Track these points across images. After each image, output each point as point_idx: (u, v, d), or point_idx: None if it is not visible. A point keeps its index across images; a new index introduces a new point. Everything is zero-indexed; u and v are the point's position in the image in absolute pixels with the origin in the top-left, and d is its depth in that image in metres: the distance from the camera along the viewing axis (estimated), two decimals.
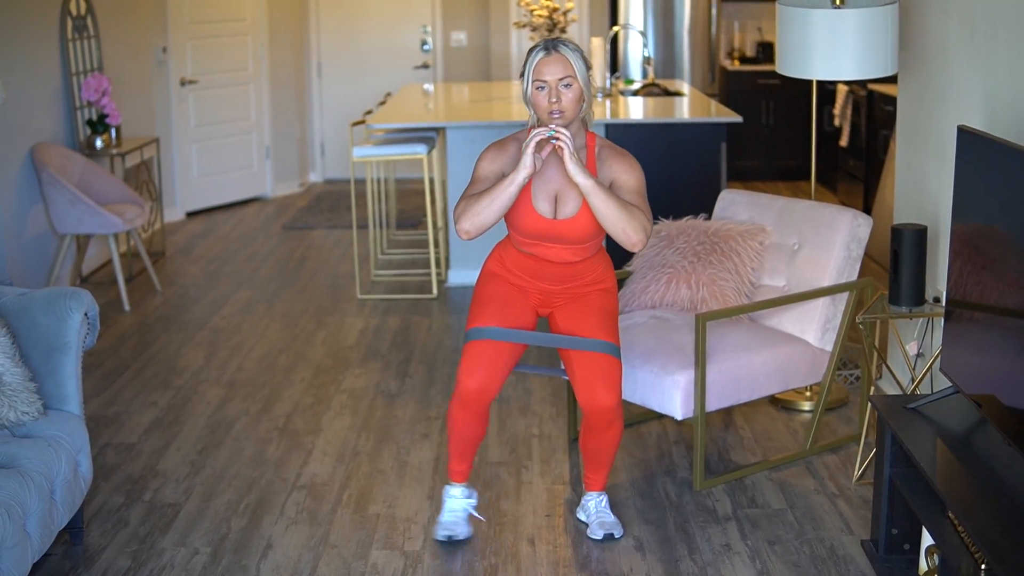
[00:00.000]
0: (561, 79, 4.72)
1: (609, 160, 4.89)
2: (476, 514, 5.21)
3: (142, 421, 6.52)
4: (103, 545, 5.13)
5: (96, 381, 7.15)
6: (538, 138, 4.67)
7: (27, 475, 4.42)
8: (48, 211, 8.61)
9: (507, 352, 4.97)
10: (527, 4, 10.22)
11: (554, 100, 4.72)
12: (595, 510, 5.20)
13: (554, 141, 4.67)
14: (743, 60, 13.17)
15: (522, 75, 4.83)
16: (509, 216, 4.93)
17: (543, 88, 4.74)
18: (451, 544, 5.07)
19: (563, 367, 5.17)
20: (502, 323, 4.96)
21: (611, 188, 4.82)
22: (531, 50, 4.81)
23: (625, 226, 4.69)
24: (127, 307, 8.67)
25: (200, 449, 6.13)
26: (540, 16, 10.00)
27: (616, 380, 4.91)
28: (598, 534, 5.10)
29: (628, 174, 4.86)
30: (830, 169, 11.84)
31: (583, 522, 5.23)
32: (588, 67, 4.82)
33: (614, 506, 5.36)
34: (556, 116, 4.73)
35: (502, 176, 4.86)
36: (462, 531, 5.12)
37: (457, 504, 5.17)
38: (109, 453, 6.09)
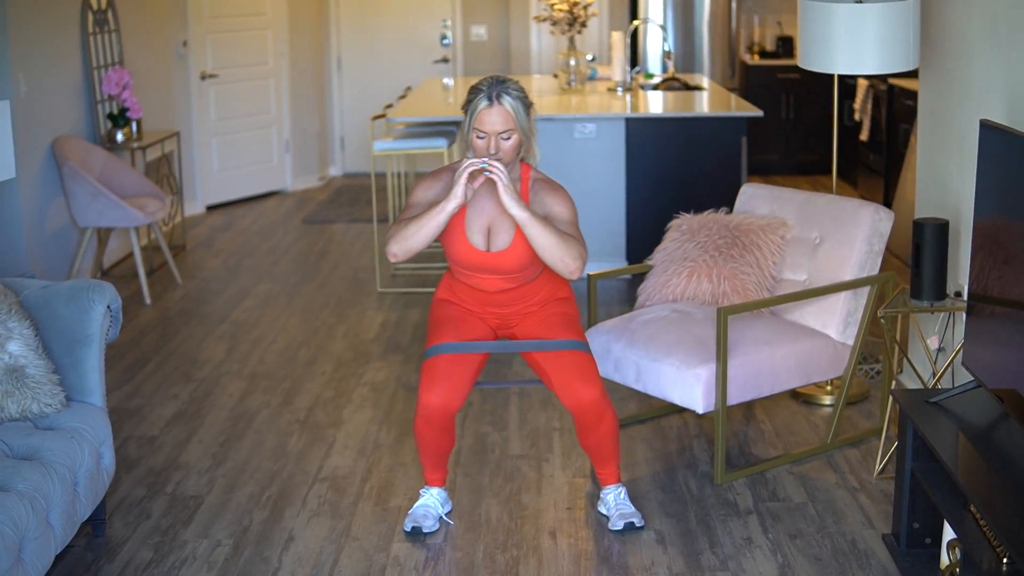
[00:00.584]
0: (501, 132, 4.76)
1: (542, 193, 4.93)
2: (447, 520, 5.27)
3: (164, 414, 6.54)
4: (125, 537, 5.15)
5: (118, 374, 7.17)
6: (471, 168, 4.70)
7: (50, 467, 4.44)
8: (69, 204, 8.63)
9: (466, 365, 5.02)
10: None
11: (493, 151, 4.77)
12: (614, 502, 5.21)
13: (487, 172, 4.71)
14: (763, 54, 13.15)
15: (464, 111, 4.84)
16: (446, 248, 4.99)
17: (483, 138, 4.78)
18: (472, 536, 5.08)
19: (536, 378, 5.23)
20: (459, 339, 5.02)
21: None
22: (474, 91, 4.82)
23: (563, 255, 4.73)
24: (148, 300, 8.70)
25: (222, 442, 6.15)
26: (560, 10, 10.00)
27: (593, 373, 4.97)
28: (619, 525, 5.12)
29: (561, 206, 4.91)
30: (850, 163, 11.82)
31: (604, 515, 5.24)
32: (529, 106, 4.84)
33: (635, 499, 5.37)
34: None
35: (435, 204, 4.89)
36: (429, 524, 5.18)
37: (431, 501, 5.25)
38: (131, 445, 6.12)
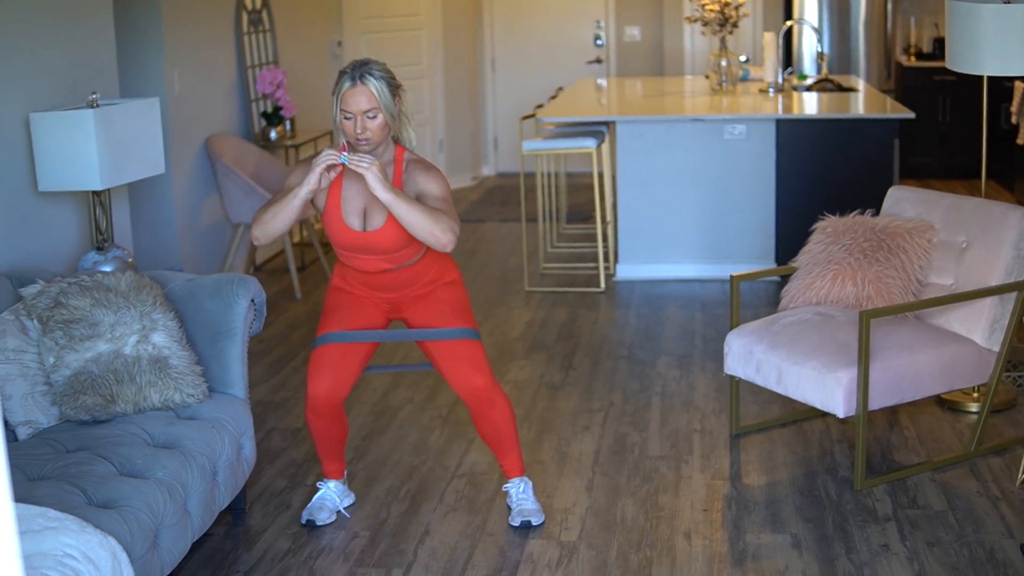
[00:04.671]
0: (366, 111, 4.80)
1: (415, 173, 4.97)
2: (345, 513, 5.37)
3: None
4: (264, 527, 5.23)
5: (265, 367, 7.29)
6: (329, 161, 4.76)
7: (190, 456, 4.53)
8: (223, 201, 8.79)
9: (353, 354, 5.11)
10: None
11: (360, 131, 4.81)
12: (516, 496, 5.29)
13: (347, 165, 4.77)
14: (919, 56, 12.95)
15: (333, 95, 4.89)
16: (326, 230, 5.05)
17: (350, 118, 4.81)
18: (607, 535, 5.08)
19: (426, 362, 5.33)
20: (347, 327, 5.11)
21: (419, 199, 4.90)
22: (341, 74, 4.88)
23: (432, 229, 4.76)
24: (299, 295, 8.83)
25: (364, 435, 6.22)
26: (712, 11, 9.95)
27: (481, 360, 5.07)
28: (515, 521, 5.21)
29: (432, 183, 4.95)
30: (1006, 167, 11.60)
31: (509, 508, 5.34)
32: (397, 88, 4.88)
33: (773, 502, 5.33)
34: (363, 143, 4.82)
35: None
36: (324, 517, 5.27)
37: (328, 493, 5.35)
38: (275, 437, 6.21)
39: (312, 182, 4.77)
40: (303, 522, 5.25)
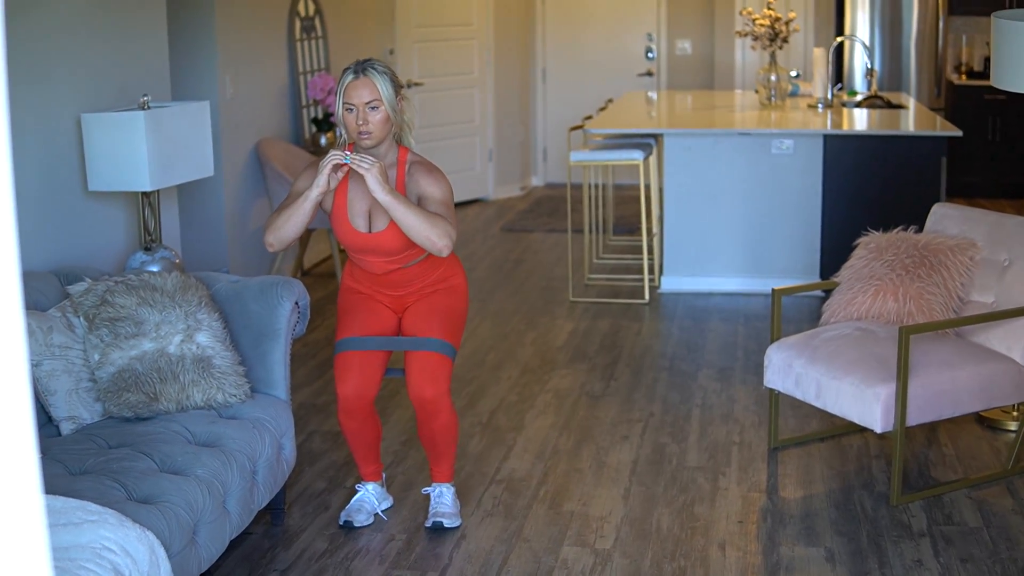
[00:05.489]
0: (368, 103, 4.89)
1: (417, 175, 5.05)
2: (383, 516, 5.43)
3: None
4: (303, 527, 5.29)
5: (310, 371, 7.35)
6: (334, 161, 4.83)
7: (230, 454, 4.59)
8: (272, 205, 8.86)
9: (374, 355, 5.22)
10: (749, 13, 10.20)
11: (361, 123, 4.89)
12: (434, 500, 5.39)
13: (350, 165, 4.84)
14: (970, 75, 12.92)
15: (335, 93, 5.01)
16: (334, 232, 5.16)
17: (352, 110, 4.91)
18: (641, 544, 5.11)
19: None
20: (363, 331, 5.21)
21: (420, 201, 4.98)
22: (344, 71, 4.98)
23: (429, 233, 4.84)
24: None
25: (404, 440, 6.27)
26: (762, 25, 9.96)
27: (439, 374, 5.14)
28: (429, 522, 5.30)
29: (434, 186, 5.02)
30: None
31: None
32: (400, 86, 4.99)
33: (808, 515, 5.35)
34: (364, 137, 4.91)
35: None
36: (361, 519, 5.34)
37: (366, 496, 5.42)
38: (316, 440, 6.27)
39: (322, 183, 4.86)
40: (341, 523, 5.31)
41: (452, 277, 5.31)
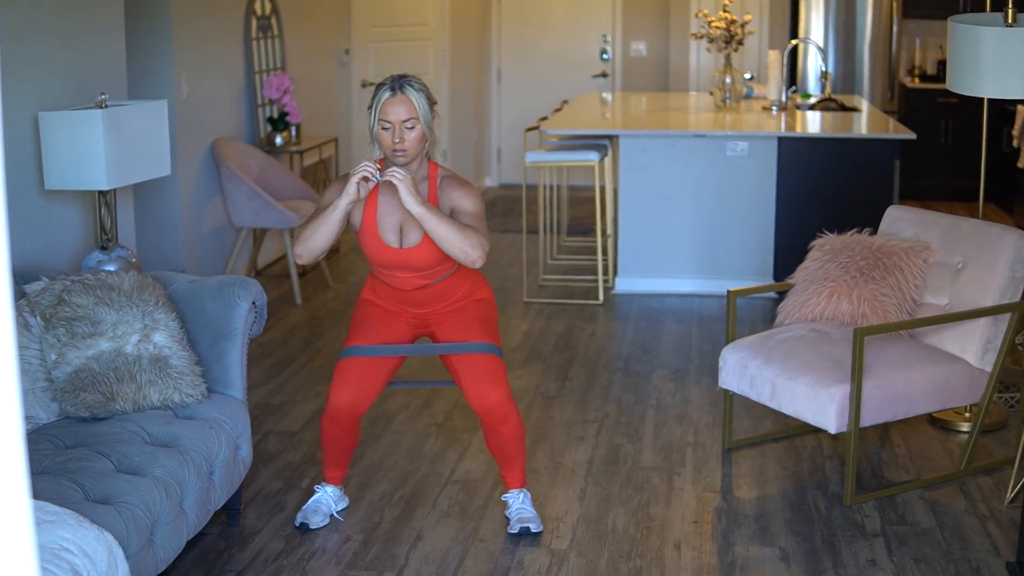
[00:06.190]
0: (405, 121, 4.86)
1: (449, 189, 5.03)
2: (338, 517, 5.41)
3: (306, 411, 6.68)
4: (258, 527, 5.29)
5: (264, 370, 7.34)
6: (366, 172, 4.84)
7: (187, 455, 4.58)
8: (226, 204, 8.84)
9: (378, 368, 5.19)
10: (705, 15, 10.24)
11: (397, 140, 4.87)
12: (515, 506, 5.32)
13: (379, 179, 4.86)
14: (923, 78, 13.01)
15: (370, 108, 4.96)
16: (362, 248, 5.13)
17: (388, 128, 4.88)
18: (597, 544, 5.13)
19: (449, 379, 5.40)
20: (373, 341, 5.17)
21: (453, 214, 4.97)
22: (378, 87, 4.94)
23: (462, 244, 4.83)
24: (299, 301, 8.88)
25: (360, 440, 6.26)
26: (717, 28, 10.01)
27: (500, 376, 5.10)
28: (515, 528, 5.24)
29: (466, 199, 5.01)
30: (1008, 191, 11.66)
31: (507, 518, 5.36)
32: (433, 103, 4.96)
33: (762, 516, 5.38)
34: (399, 155, 4.89)
35: None
36: (318, 520, 5.31)
37: (324, 499, 5.38)
38: (271, 440, 6.26)
39: (351, 192, 4.84)
40: (297, 524, 5.30)
41: (479, 291, 5.32)
